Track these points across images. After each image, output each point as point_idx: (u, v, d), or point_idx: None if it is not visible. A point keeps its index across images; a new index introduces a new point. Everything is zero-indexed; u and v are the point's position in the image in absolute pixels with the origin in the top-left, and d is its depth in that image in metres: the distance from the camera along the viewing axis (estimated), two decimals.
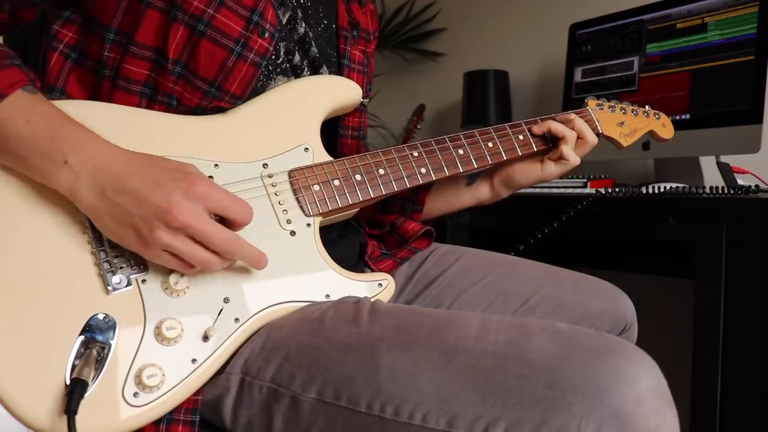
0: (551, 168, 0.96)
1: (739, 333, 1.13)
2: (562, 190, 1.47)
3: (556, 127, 0.95)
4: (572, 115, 0.98)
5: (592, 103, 1.04)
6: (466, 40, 2.42)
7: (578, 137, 0.96)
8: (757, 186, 1.22)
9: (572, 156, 0.94)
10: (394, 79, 2.61)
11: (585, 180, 1.52)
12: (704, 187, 1.24)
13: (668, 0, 1.59)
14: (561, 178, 1.53)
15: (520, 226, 1.38)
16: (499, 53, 2.30)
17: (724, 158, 1.42)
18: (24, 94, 0.66)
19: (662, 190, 1.29)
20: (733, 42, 1.44)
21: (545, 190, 1.49)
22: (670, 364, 0.61)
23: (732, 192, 1.20)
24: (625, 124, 1.06)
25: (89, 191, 0.64)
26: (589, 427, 0.53)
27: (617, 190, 1.33)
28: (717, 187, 1.23)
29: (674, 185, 1.35)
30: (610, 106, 1.05)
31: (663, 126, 1.12)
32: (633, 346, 0.59)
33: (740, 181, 1.35)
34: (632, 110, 1.08)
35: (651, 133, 1.10)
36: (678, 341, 1.56)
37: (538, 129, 0.95)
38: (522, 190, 1.50)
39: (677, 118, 1.52)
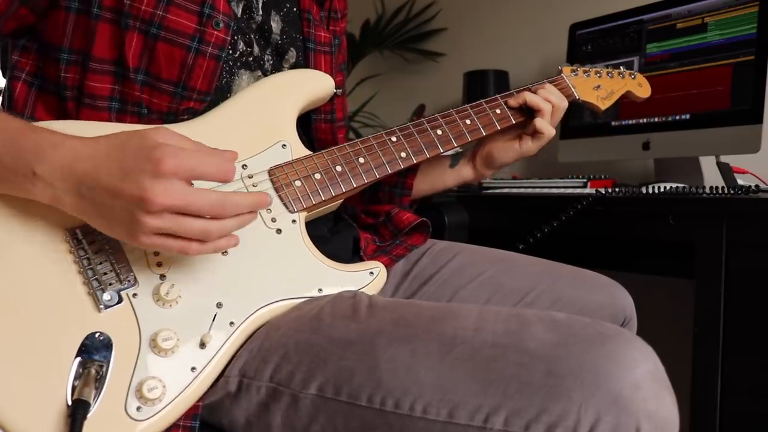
0: (528, 143, 0.99)
1: (739, 333, 1.13)
2: (562, 190, 1.47)
3: (532, 98, 0.96)
4: (546, 84, 0.99)
5: (566, 69, 1.06)
6: (466, 40, 2.42)
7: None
8: (757, 186, 1.22)
9: (547, 128, 0.96)
10: (394, 79, 2.61)
11: (585, 180, 1.52)
12: (704, 187, 1.24)
13: (668, 0, 1.59)
14: (560, 178, 1.55)
15: (519, 226, 1.37)
16: (499, 53, 2.30)
17: (724, 158, 1.41)
18: None
19: (662, 190, 1.29)
20: (733, 42, 1.44)
21: (545, 190, 1.49)
22: (670, 364, 0.61)
23: (732, 192, 1.20)
24: (601, 87, 1.07)
25: (67, 195, 0.62)
26: (588, 413, 0.53)
27: (617, 190, 1.32)
28: (717, 187, 1.22)
29: (674, 185, 1.34)
30: (584, 71, 1.07)
31: (639, 85, 1.13)
32: (630, 333, 0.60)
33: (740, 181, 1.35)
34: (607, 72, 1.09)
35: (628, 93, 1.11)
36: (678, 341, 1.56)
37: (514, 101, 0.96)
38: (522, 190, 1.52)
39: (677, 118, 1.52)
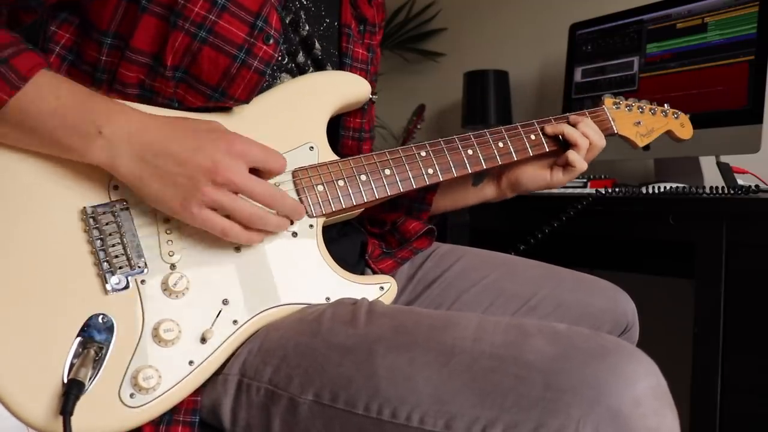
0: (559, 175, 0.96)
1: (739, 333, 1.13)
2: (562, 190, 1.47)
3: (570, 132, 0.93)
4: (586, 117, 0.96)
5: (608, 101, 1.02)
6: (466, 40, 2.42)
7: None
8: (757, 186, 1.22)
9: (580, 163, 0.94)
10: (394, 79, 2.61)
11: (585, 180, 1.52)
12: (704, 187, 1.24)
13: (668, 0, 1.59)
14: None
15: (520, 226, 1.38)
16: (499, 53, 2.30)
17: (724, 158, 1.41)
18: (48, 72, 0.66)
19: (662, 190, 1.29)
20: (733, 42, 1.44)
21: (545, 190, 1.49)
22: (670, 364, 0.61)
23: (732, 192, 1.20)
24: (641, 123, 1.03)
25: (127, 158, 0.65)
26: (586, 429, 0.52)
27: (617, 190, 1.33)
28: (717, 187, 1.23)
29: (674, 185, 1.35)
30: (627, 105, 1.03)
31: (681, 126, 1.09)
32: (631, 347, 0.58)
33: (740, 181, 1.35)
34: (650, 109, 1.05)
35: (669, 132, 1.08)
36: (678, 341, 1.56)
37: (551, 130, 0.93)
38: None
39: None
